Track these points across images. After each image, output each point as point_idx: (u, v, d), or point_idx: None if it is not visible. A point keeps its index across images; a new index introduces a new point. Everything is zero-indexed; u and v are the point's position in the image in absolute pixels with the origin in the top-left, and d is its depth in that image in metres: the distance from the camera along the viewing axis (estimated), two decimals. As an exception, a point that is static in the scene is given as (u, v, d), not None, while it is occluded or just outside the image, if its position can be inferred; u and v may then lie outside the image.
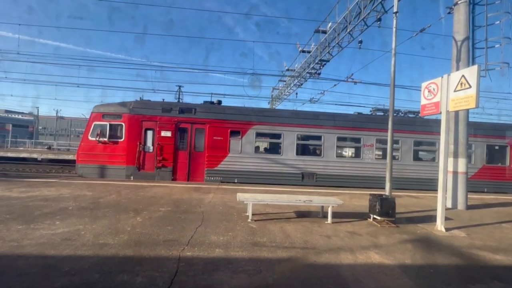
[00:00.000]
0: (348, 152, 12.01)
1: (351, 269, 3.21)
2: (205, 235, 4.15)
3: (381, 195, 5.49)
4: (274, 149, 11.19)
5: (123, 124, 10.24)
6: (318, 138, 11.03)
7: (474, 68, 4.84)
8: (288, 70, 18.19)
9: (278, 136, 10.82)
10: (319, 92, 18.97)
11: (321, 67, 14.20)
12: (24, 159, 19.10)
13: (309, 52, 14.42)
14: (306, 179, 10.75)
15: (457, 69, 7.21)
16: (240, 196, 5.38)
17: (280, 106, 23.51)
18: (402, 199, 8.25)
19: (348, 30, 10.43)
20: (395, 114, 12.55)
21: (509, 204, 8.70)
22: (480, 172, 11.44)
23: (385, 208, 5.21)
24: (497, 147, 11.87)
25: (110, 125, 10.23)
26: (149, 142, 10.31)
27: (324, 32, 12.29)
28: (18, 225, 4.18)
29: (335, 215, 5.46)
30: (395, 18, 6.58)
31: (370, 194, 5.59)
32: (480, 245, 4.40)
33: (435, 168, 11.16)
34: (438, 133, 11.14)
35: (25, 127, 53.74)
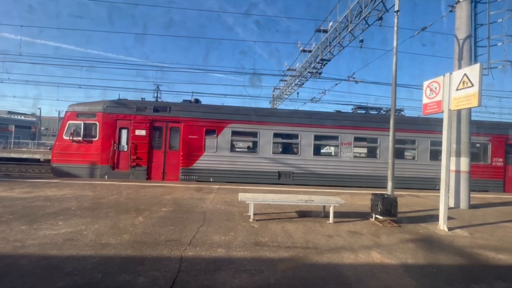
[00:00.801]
0: (326, 150, 11.88)
1: (353, 268, 3.21)
2: (207, 235, 4.16)
3: (383, 194, 5.48)
4: (250, 147, 11.09)
5: (97, 123, 10.18)
6: (295, 136, 10.92)
7: (477, 66, 4.81)
8: (289, 69, 18.17)
9: (254, 134, 10.74)
10: (320, 91, 18.96)
11: (322, 66, 14.16)
12: (26, 160, 19.22)
13: (310, 51, 14.39)
14: (283, 178, 10.66)
15: (459, 67, 7.17)
16: (242, 196, 5.38)
17: (281, 105, 23.49)
18: (404, 198, 8.22)
19: (349, 29, 10.39)
20: (376, 112, 12.23)
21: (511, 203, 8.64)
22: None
23: (387, 207, 5.19)
24: (478, 145, 11.55)
25: (85, 124, 10.18)
26: (124, 141, 10.26)
27: (325, 31, 12.26)
28: (21, 225, 4.20)
29: (337, 214, 5.45)
30: (396, 16, 6.55)
31: (372, 194, 5.58)
32: (483, 244, 4.38)
33: (415, 166, 11.04)
34: (419, 130, 11.09)
35: (28, 128, 54.07)
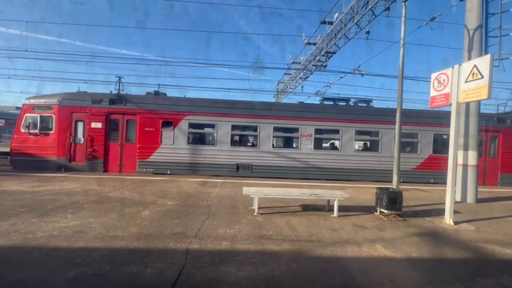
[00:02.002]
0: (286, 142, 11.62)
1: (357, 261, 3.22)
2: (212, 228, 4.21)
3: (388, 188, 5.45)
4: (208, 140, 10.97)
5: (53, 116, 10.18)
6: (254, 128, 10.75)
7: (487, 57, 4.68)
8: (293, 62, 17.93)
9: (212, 126, 10.64)
10: (325, 84, 18.73)
11: (327, 59, 13.92)
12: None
13: (315, 44, 14.15)
14: (241, 170, 10.57)
15: (469, 58, 6.98)
16: (246, 190, 5.42)
17: (285, 99, 23.31)
18: (409, 192, 8.17)
19: (355, 21, 10.16)
20: (344, 104, 11.92)
21: (520, 197, 8.51)
22: (427, 162, 10.98)
23: (392, 201, 5.17)
24: (445, 136, 10.96)
25: (41, 117, 10.17)
26: (80, 134, 10.26)
27: (331, 23, 12.00)
28: (32, 218, 4.32)
29: (341, 208, 5.45)
30: (404, 6, 6.38)
31: (377, 188, 5.55)
32: (489, 238, 4.34)
33: (378, 159, 10.83)
34: (383, 122, 10.81)
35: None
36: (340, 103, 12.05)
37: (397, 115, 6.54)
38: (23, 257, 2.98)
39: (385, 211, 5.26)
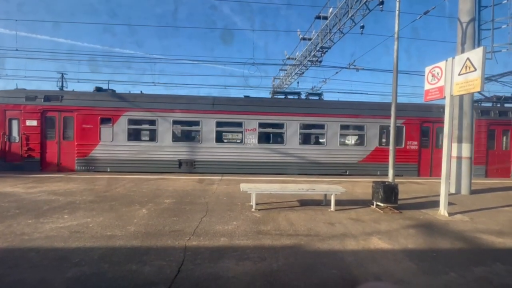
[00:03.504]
0: (229, 137, 11.55)
1: (355, 254, 3.27)
2: (210, 225, 4.22)
3: (384, 181, 5.51)
4: (148, 136, 10.80)
5: None
6: (196, 123, 10.60)
7: (480, 50, 4.72)
8: (288, 58, 17.88)
9: (152, 122, 10.43)
10: (321, 80, 18.75)
11: (323, 54, 13.91)
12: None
13: (310, 39, 14.11)
14: (184, 166, 10.44)
15: (462, 51, 7.03)
16: (244, 186, 5.43)
17: (304, 96, 23.24)
18: (404, 186, 8.27)
19: (350, 15, 10.15)
20: (296, 97, 11.86)
21: (513, 188, 8.68)
22: (373, 154, 10.96)
23: (388, 194, 5.23)
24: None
25: None
26: (15, 132, 9.99)
27: (325, 18, 11.97)
28: (28, 219, 4.28)
29: (338, 202, 5.50)
30: (397, 0, 6.38)
31: (373, 181, 5.61)
32: (483, 228, 4.43)
33: (324, 152, 10.81)
34: (329, 115, 10.78)
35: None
36: (290, 97, 11.88)
37: (392, 108, 6.59)
38: (20, 258, 2.96)
39: (381, 204, 5.33)
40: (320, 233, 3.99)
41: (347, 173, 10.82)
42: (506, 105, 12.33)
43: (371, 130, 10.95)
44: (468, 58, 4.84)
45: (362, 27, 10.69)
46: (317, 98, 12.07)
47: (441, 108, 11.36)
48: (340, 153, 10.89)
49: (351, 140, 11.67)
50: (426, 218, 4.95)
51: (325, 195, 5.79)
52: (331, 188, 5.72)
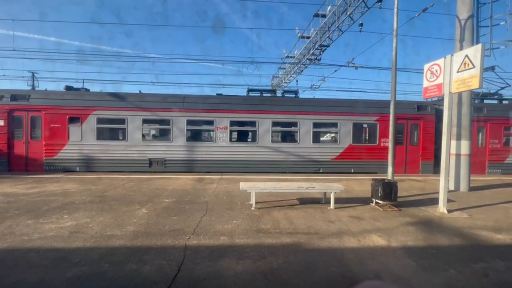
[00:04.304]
0: (200, 135, 11.46)
1: (354, 252, 3.28)
2: (210, 224, 4.22)
3: (384, 179, 5.52)
4: (118, 135, 10.71)
5: None
6: (166, 122, 10.45)
7: (478, 47, 4.72)
8: (287, 57, 17.86)
9: (122, 121, 10.29)
10: (319, 78, 18.73)
11: (321, 52, 13.90)
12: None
13: (308, 37, 14.09)
14: (154, 166, 10.38)
15: (461, 49, 7.03)
16: (243, 185, 5.43)
17: (280, 94, 23.26)
18: (404, 183, 8.29)
19: (348, 13, 10.13)
20: (271, 95, 11.73)
21: (512, 184, 8.71)
22: (347, 152, 10.91)
23: (387, 192, 5.25)
24: (365, 125, 11.14)
25: None
26: None
27: (324, 16, 11.94)
28: (27, 220, 4.28)
29: (338, 200, 5.51)
30: (396, -3, 6.36)
31: (373, 179, 5.62)
32: (482, 225, 4.44)
33: (297, 150, 10.70)
34: (301, 112, 10.72)
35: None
36: (265, 95, 11.74)
37: (391, 106, 6.59)
38: (20, 259, 2.95)
39: (381, 201, 5.34)
40: (319, 231, 3.99)
41: (321, 171, 10.73)
42: (485, 101, 12.21)
43: (344, 128, 10.88)
44: (467, 55, 4.83)
45: (361, 24, 10.69)
46: (293, 95, 11.94)
47: (415, 104, 11.38)
48: (313, 151, 10.81)
49: (324, 137, 11.60)
50: (426, 215, 4.97)
51: (325, 193, 5.80)
52: (331, 186, 5.73)
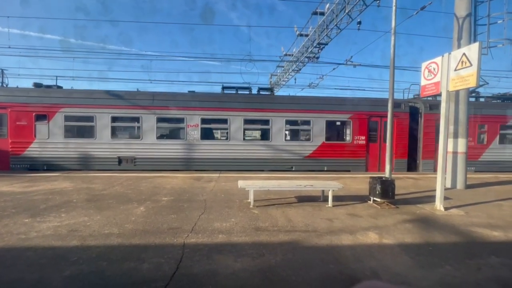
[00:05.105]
0: (171, 133, 11.30)
1: (352, 249, 3.30)
2: (208, 222, 4.23)
3: (381, 177, 5.54)
4: (87, 132, 10.44)
5: None
6: (136, 119, 10.34)
7: (476, 45, 4.73)
8: (286, 55, 17.83)
9: (90, 119, 10.19)
10: (318, 76, 18.73)
11: (320, 50, 13.89)
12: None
13: (307, 35, 14.07)
14: (124, 163, 10.30)
15: (458, 47, 7.05)
16: (241, 183, 5.44)
17: (279, 92, 23.26)
18: (402, 181, 8.34)
19: (347, 11, 10.12)
20: (243, 92, 11.50)
21: (508, 182, 8.79)
22: (320, 149, 10.85)
23: (385, 189, 5.28)
24: (338, 123, 11.10)
25: None
26: None
27: (322, 13, 11.93)
28: (24, 218, 4.25)
29: (336, 198, 5.54)
30: (394, -5, 6.36)
31: (370, 177, 5.65)
32: (478, 222, 4.49)
33: (269, 148, 10.61)
34: (273, 110, 10.58)
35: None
36: (241, 92, 11.61)
37: (389, 104, 6.60)
38: (17, 258, 2.94)
39: (378, 199, 5.37)
40: (318, 228, 4.01)
41: (293, 169, 10.68)
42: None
43: (317, 125, 10.80)
44: (464, 54, 4.85)
45: (359, 23, 10.68)
46: (269, 93, 11.80)
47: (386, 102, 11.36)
48: (286, 149, 10.74)
49: (297, 135, 11.50)
50: (423, 213, 5.01)
51: (323, 191, 5.82)
52: (329, 184, 5.75)
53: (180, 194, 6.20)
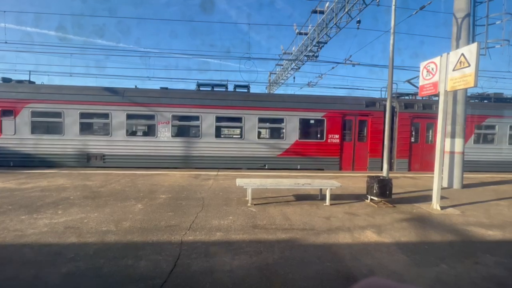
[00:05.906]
0: (142, 130, 11.13)
1: (349, 247, 3.32)
2: (206, 219, 4.23)
3: (379, 176, 5.57)
4: (54, 128, 10.26)
5: None
6: (105, 116, 10.15)
7: (474, 46, 4.75)
8: (285, 53, 17.80)
9: (58, 114, 9.99)
10: (317, 75, 18.73)
11: (319, 49, 13.88)
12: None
13: (306, 34, 14.05)
14: (93, 161, 10.13)
15: (457, 47, 7.08)
16: (240, 181, 5.44)
17: (278, 90, 23.25)
18: (399, 180, 8.39)
19: (346, 10, 10.11)
20: (223, 90, 11.42)
21: (504, 182, 8.88)
22: (293, 148, 10.69)
23: (382, 189, 5.30)
24: (312, 121, 10.99)
25: None
26: None
27: (322, 12, 11.91)
28: (21, 215, 4.23)
29: (333, 197, 5.56)
30: (394, -5, 6.36)
31: (368, 176, 5.67)
32: (474, 221, 4.53)
33: (242, 145, 10.48)
34: (246, 107, 10.49)
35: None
36: (216, 89, 11.47)
37: (387, 102, 6.62)
38: (14, 254, 2.93)
39: (376, 198, 5.40)
40: (315, 227, 4.03)
41: (266, 167, 10.62)
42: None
43: (290, 123, 10.65)
44: (462, 54, 4.87)
45: (359, 22, 10.68)
46: (245, 90, 11.69)
47: (363, 101, 11.19)
48: (259, 147, 10.61)
49: (270, 133, 11.46)
50: (419, 212, 5.04)
51: (321, 189, 5.84)
52: (327, 183, 5.77)
53: (178, 191, 6.20)
